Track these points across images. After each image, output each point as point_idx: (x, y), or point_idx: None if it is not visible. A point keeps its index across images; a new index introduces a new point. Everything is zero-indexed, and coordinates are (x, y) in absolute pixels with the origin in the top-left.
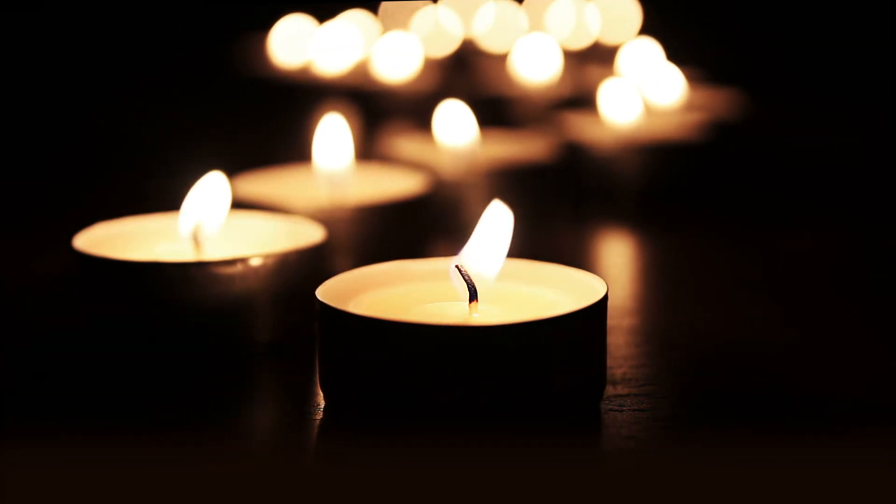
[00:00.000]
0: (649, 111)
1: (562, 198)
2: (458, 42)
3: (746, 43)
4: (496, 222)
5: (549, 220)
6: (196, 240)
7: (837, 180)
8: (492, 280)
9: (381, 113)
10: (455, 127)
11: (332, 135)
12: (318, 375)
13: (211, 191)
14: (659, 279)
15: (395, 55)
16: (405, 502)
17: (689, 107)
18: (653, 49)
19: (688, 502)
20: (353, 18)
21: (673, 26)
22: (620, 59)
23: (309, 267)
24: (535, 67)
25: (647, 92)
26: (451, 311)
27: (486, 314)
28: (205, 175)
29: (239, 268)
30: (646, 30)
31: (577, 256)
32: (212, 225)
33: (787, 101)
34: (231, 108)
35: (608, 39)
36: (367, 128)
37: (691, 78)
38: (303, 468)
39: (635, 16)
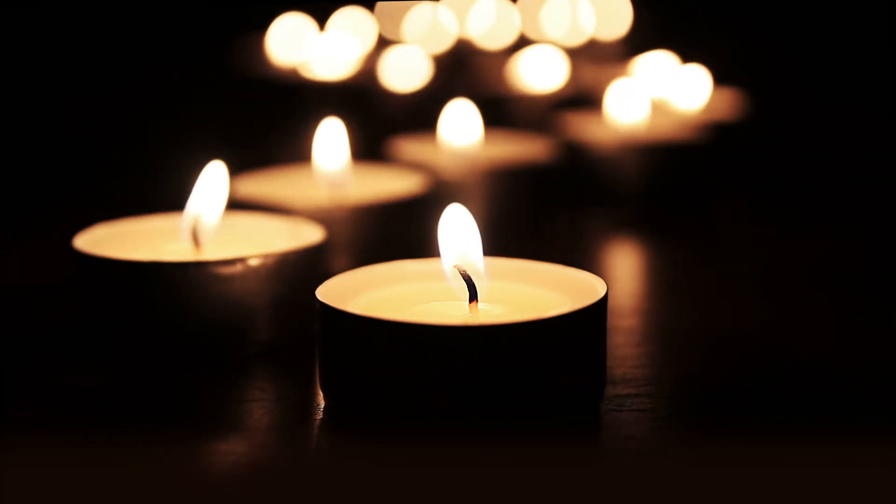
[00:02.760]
0: (659, 114)
1: (561, 198)
2: (454, 41)
3: (747, 43)
4: (458, 227)
5: (548, 220)
6: (196, 238)
7: (837, 181)
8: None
9: (380, 112)
10: (461, 127)
11: (331, 136)
12: (318, 375)
13: (211, 183)
14: (659, 279)
15: (389, 52)
16: (405, 502)
17: (701, 112)
18: (670, 59)
19: (688, 502)
20: (348, 17)
21: (670, 26)
22: (637, 69)
23: (309, 267)
24: (536, 70)
25: (665, 95)
26: (451, 311)
27: (486, 314)
28: (206, 167)
29: (239, 268)
30: (638, 27)
31: (577, 257)
32: (211, 217)
33: (787, 102)
34: (230, 108)
35: (603, 36)
36: (365, 127)
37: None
38: (303, 468)
39: (628, 12)
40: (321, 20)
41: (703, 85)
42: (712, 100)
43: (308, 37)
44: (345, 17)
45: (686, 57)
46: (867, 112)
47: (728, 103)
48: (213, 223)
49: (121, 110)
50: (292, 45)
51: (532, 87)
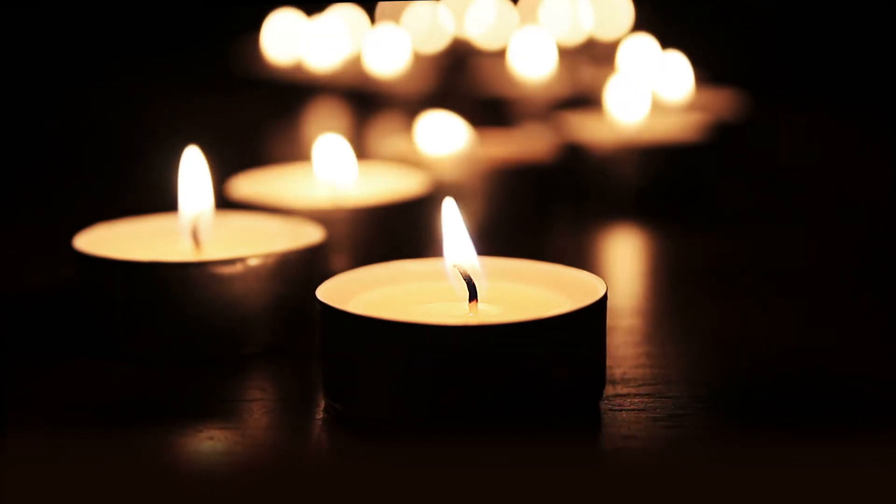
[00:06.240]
0: (655, 109)
1: (561, 198)
2: (451, 39)
3: (748, 42)
4: (453, 225)
5: (548, 220)
6: (196, 238)
7: (837, 180)
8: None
9: (376, 110)
10: (442, 136)
11: (333, 152)
12: (318, 375)
13: (193, 173)
14: (659, 279)
15: (386, 50)
16: (406, 502)
17: (690, 107)
18: (652, 45)
19: (687, 502)
20: (342, 14)
21: (671, 25)
22: (621, 56)
23: (309, 267)
24: (531, 64)
25: (654, 88)
26: (451, 311)
27: (486, 314)
28: (183, 157)
29: (239, 268)
30: (640, 27)
31: (577, 256)
32: (206, 210)
33: (788, 102)
34: (230, 108)
35: (602, 36)
36: (361, 125)
37: (694, 78)
38: (303, 468)
39: (628, 12)
40: (312, 15)
41: (686, 74)
42: (713, 100)
43: (302, 32)
44: (338, 12)
45: (666, 45)
46: (867, 110)
47: (728, 103)
48: (208, 216)
49: (121, 110)
50: (287, 41)
51: (528, 77)
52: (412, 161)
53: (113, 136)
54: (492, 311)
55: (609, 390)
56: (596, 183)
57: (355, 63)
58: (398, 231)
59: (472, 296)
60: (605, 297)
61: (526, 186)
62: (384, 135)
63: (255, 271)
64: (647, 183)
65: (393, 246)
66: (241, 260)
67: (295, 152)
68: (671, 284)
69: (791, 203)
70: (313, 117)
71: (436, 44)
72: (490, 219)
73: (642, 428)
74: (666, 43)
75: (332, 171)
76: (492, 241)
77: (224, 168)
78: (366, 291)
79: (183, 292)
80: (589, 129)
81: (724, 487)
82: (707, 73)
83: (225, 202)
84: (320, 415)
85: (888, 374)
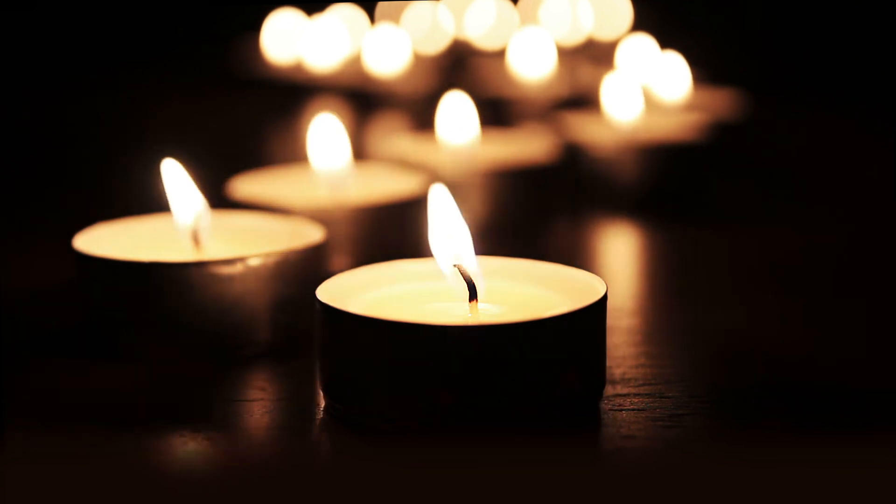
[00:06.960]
0: (651, 108)
1: (561, 198)
2: (451, 39)
3: (748, 42)
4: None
5: (548, 220)
6: (196, 238)
7: (838, 179)
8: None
9: (376, 110)
10: (457, 123)
11: (328, 134)
12: (318, 375)
13: (179, 183)
14: (658, 279)
15: (386, 50)
16: (405, 502)
17: (689, 107)
18: (651, 45)
19: (687, 502)
20: (341, 13)
21: (670, 25)
22: (620, 56)
23: (309, 267)
24: (531, 64)
25: (653, 88)
26: (452, 311)
27: (486, 314)
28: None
29: (239, 268)
30: (639, 27)
31: (577, 256)
32: (202, 213)
33: (787, 102)
34: (229, 108)
35: (602, 36)
36: (361, 125)
37: (692, 78)
38: (303, 468)
39: (628, 12)
40: (313, 15)
41: (685, 74)
42: (713, 100)
43: (302, 32)
44: (338, 12)
45: (665, 45)
46: (866, 109)
47: (727, 103)
48: (205, 218)
49: (122, 110)
50: (287, 41)
51: (528, 78)
52: (416, 161)
53: (113, 137)
54: (492, 311)
55: (609, 390)
56: (595, 183)
57: (355, 63)
58: (398, 231)
59: (472, 296)
60: (605, 297)
61: (526, 186)
62: (384, 135)
63: (255, 271)
64: (647, 183)
65: (393, 246)
66: (241, 260)
67: (295, 152)
68: (671, 284)
69: (790, 203)
70: (313, 117)
71: (436, 44)
72: (490, 218)
73: (642, 428)
74: (665, 43)
75: (330, 159)
76: (492, 240)
77: (224, 168)
78: (366, 291)
79: (183, 292)
80: (588, 129)
81: (724, 487)
82: (706, 72)
83: (225, 202)
84: (320, 415)
85: (888, 373)
